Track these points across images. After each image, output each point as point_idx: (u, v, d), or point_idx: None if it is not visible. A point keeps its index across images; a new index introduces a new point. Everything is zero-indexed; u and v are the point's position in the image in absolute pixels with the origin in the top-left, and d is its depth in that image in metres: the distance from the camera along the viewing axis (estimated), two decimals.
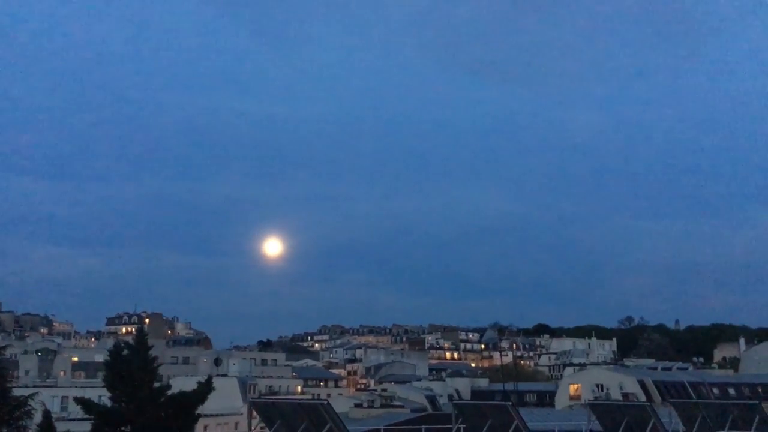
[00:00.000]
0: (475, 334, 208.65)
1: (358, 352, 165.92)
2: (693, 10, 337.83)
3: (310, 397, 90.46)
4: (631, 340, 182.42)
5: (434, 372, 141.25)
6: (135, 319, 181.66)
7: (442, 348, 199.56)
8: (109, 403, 33.83)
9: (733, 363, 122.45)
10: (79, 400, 33.85)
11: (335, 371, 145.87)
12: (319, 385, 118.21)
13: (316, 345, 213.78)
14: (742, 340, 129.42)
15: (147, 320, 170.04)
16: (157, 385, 35.05)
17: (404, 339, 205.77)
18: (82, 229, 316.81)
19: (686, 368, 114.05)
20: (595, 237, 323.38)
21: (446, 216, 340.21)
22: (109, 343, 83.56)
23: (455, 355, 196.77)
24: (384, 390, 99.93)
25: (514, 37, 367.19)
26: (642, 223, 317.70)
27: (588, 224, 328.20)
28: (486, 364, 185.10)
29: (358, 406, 75.42)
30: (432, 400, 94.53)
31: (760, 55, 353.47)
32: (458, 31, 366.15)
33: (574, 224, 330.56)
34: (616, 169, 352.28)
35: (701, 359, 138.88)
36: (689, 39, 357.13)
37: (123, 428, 32.40)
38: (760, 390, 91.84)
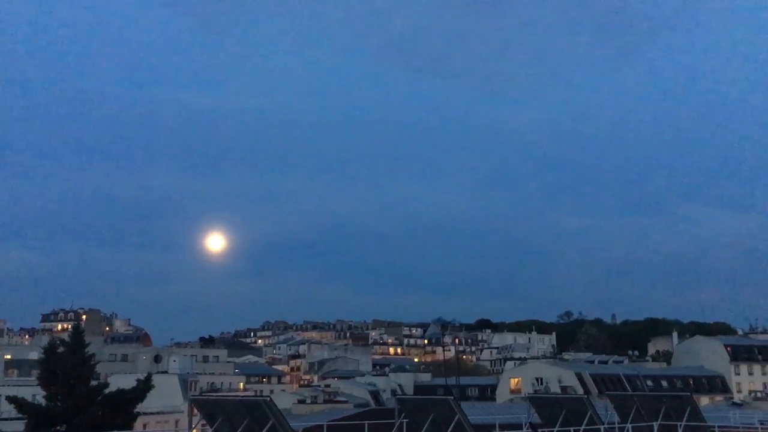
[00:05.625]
0: (419, 330, 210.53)
1: (302, 348, 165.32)
2: (633, 10, 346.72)
3: (252, 393, 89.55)
4: (570, 335, 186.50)
5: (378, 367, 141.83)
6: (71, 315, 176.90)
7: (385, 343, 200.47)
8: (43, 402, 33.03)
9: (666, 356, 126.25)
10: (12, 399, 32.97)
11: (278, 367, 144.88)
12: (262, 382, 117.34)
13: (259, 341, 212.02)
14: (674, 334, 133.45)
15: (84, 317, 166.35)
16: (94, 383, 34.41)
17: (348, 334, 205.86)
18: (15, 223, 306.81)
19: (622, 361, 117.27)
20: (535, 233, 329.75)
21: (390, 212, 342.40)
22: (44, 340, 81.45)
23: (399, 350, 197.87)
24: (327, 386, 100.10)
25: (461, 37, 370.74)
26: (580, 220, 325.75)
27: (528, 221, 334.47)
28: (429, 359, 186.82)
29: (301, 402, 75.39)
30: (375, 395, 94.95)
31: (697, 54, 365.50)
32: (407, 29, 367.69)
33: (514, 221, 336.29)
34: (556, 167, 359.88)
35: (636, 353, 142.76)
36: (627, 39, 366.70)
37: (58, 428, 31.65)
38: (691, 382, 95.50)
